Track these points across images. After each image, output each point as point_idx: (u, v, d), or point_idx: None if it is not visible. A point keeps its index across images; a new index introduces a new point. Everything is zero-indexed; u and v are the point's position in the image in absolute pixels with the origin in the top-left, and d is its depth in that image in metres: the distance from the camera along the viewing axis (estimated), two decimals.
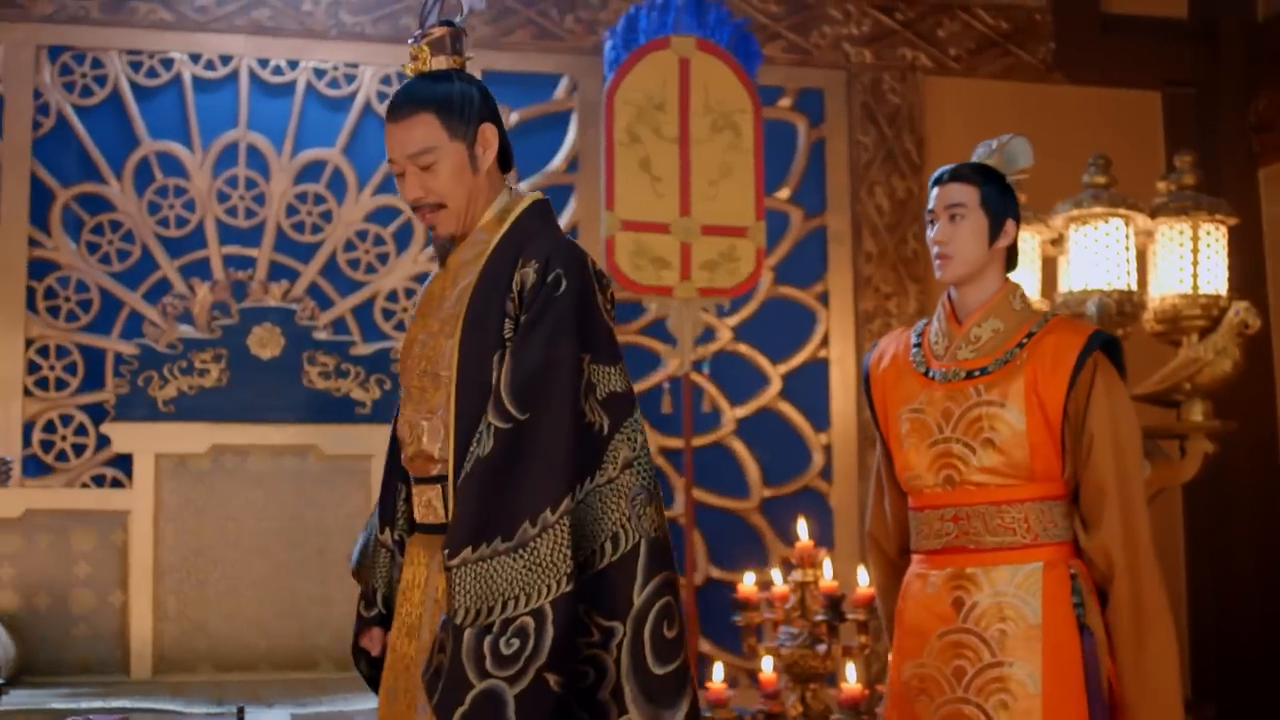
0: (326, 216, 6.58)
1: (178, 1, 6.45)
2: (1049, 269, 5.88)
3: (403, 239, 6.64)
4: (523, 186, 6.64)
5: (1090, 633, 3.51)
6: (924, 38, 7.11)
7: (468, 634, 2.74)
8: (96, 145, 6.43)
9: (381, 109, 6.64)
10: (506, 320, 2.93)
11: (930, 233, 3.63)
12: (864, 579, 4.89)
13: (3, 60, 6.35)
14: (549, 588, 2.75)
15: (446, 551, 2.79)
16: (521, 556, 2.75)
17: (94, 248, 6.40)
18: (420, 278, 6.61)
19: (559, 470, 2.80)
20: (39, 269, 6.33)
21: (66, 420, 6.27)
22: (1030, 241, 5.70)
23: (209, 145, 6.52)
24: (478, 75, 6.63)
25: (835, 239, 6.95)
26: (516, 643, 2.74)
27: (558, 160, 6.76)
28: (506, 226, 3.03)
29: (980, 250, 3.61)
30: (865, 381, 3.78)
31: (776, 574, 5.12)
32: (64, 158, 6.42)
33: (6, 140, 6.31)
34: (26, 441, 6.22)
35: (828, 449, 6.83)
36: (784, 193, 6.93)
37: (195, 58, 6.52)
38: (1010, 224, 3.64)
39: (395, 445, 3.19)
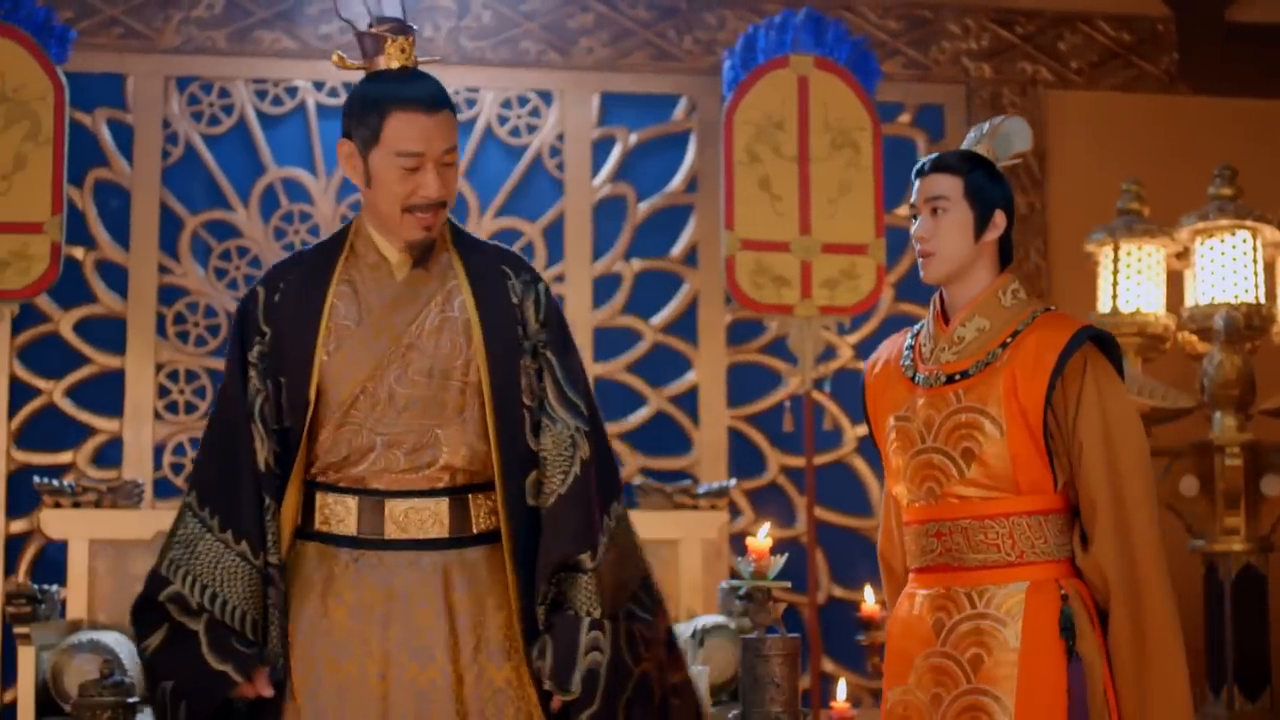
0: None
1: (301, 30, 6.55)
2: (1175, 283, 5.81)
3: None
4: (643, 208, 6.74)
5: (1079, 660, 3.18)
6: (1044, 51, 7.05)
7: (609, 625, 2.94)
8: (223, 173, 6.55)
9: (503, 133, 6.71)
10: (518, 327, 3.03)
11: (912, 229, 3.38)
12: None
13: (133, 91, 6.48)
14: (633, 574, 3.05)
15: (586, 555, 2.93)
16: (614, 547, 2.99)
17: (222, 273, 6.51)
18: None
19: (615, 465, 3.10)
20: (168, 295, 6.45)
21: (196, 444, 6.36)
22: (1155, 255, 5.63)
23: (333, 171, 6.61)
24: (596, 96, 6.75)
25: None
26: (642, 626, 3.02)
27: (677, 180, 6.78)
28: (450, 235, 3.10)
29: (965, 246, 3.31)
30: (862, 389, 3.53)
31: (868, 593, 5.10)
32: (192, 185, 6.55)
33: (136, 169, 6.45)
34: (157, 464, 6.34)
35: None
36: (904, 209, 6.89)
37: (319, 85, 6.62)
38: (999, 215, 3.33)
39: (248, 454, 2.98)
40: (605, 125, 6.78)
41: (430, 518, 2.98)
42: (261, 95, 6.62)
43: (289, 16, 6.55)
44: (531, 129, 6.75)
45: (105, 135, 6.45)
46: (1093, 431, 3.23)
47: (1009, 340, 3.28)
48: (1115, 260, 5.63)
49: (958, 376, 3.28)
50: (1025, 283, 6.60)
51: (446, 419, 2.97)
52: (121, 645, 4.97)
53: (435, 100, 2.97)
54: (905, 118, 6.96)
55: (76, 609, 5.54)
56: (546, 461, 2.98)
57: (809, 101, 5.91)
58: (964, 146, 3.39)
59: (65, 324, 6.36)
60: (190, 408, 6.39)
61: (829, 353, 6.71)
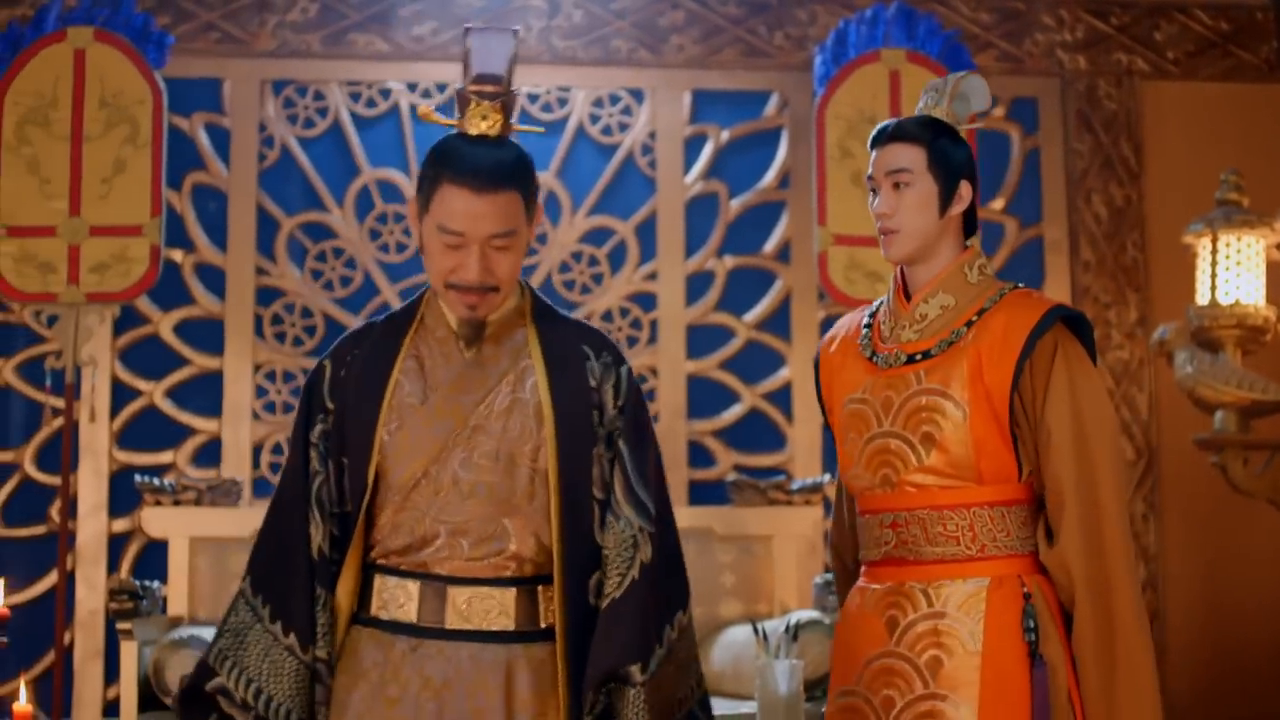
0: (542, 238, 6.67)
1: (394, 33, 6.61)
2: (1275, 274, 5.73)
3: (616, 259, 6.70)
4: (735, 204, 6.74)
5: (1043, 663, 2.96)
6: (1140, 41, 6.97)
7: None
8: (319, 174, 6.62)
9: (594, 131, 6.73)
10: (594, 412, 2.81)
11: (872, 203, 3.13)
12: None
13: (229, 95, 6.56)
14: (690, 690, 2.86)
15: (636, 667, 2.70)
16: (671, 661, 2.79)
17: (318, 274, 6.58)
18: (635, 297, 6.67)
19: (683, 570, 2.86)
20: (266, 296, 6.53)
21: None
22: (1255, 246, 5.56)
23: None
24: (688, 93, 6.75)
25: (1052, 248, 6.84)
26: None
27: (769, 177, 6.76)
28: (530, 308, 2.89)
29: (930, 221, 3.09)
30: (816, 368, 3.30)
31: None
32: (288, 188, 6.62)
33: (233, 172, 6.53)
34: (255, 464, 6.41)
35: None
36: (998, 203, 6.85)
37: (412, 86, 6.67)
38: (965, 186, 3.10)
39: (302, 540, 2.81)
40: (697, 123, 6.78)
41: (496, 608, 2.78)
42: (355, 97, 6.67)
43: (383, 19, 6.60)
44: (623, 127, 6.76)
45: (203, 139, 6.53)
46: (1062, 418, 3.01)
47: (974, 319, 3.07)
48: (1214, 252, 5.57)
49: (919, 356, 3.09)
50: (1125, 275, 6.64)
51: (514, 507, 2.77)
52: None
53: (492, 179, 2.71)
54: (999, 111, 6.90)
55: (177, 606, 5.62)
56: (607, 561, 2.77)
57: (901, 95, 5.88)
58: (920, 110, 3.18)
59: (165, 326, 6.45)
60: (287, 408, 6.46)
61: None
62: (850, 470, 3.17)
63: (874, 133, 3.17)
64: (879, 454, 3.09)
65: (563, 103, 6.75)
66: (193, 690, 2.85)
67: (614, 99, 6.78)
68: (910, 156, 3.09)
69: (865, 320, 3.23)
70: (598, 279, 6.67)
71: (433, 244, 2.77)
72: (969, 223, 3.15)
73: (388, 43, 6.61)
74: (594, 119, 6.76)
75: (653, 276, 6.69)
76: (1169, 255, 6.45)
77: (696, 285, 6.71)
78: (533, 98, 6.71)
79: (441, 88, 6.67)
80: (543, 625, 2.80)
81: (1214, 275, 5.54)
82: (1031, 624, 2.98)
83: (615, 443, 2.81)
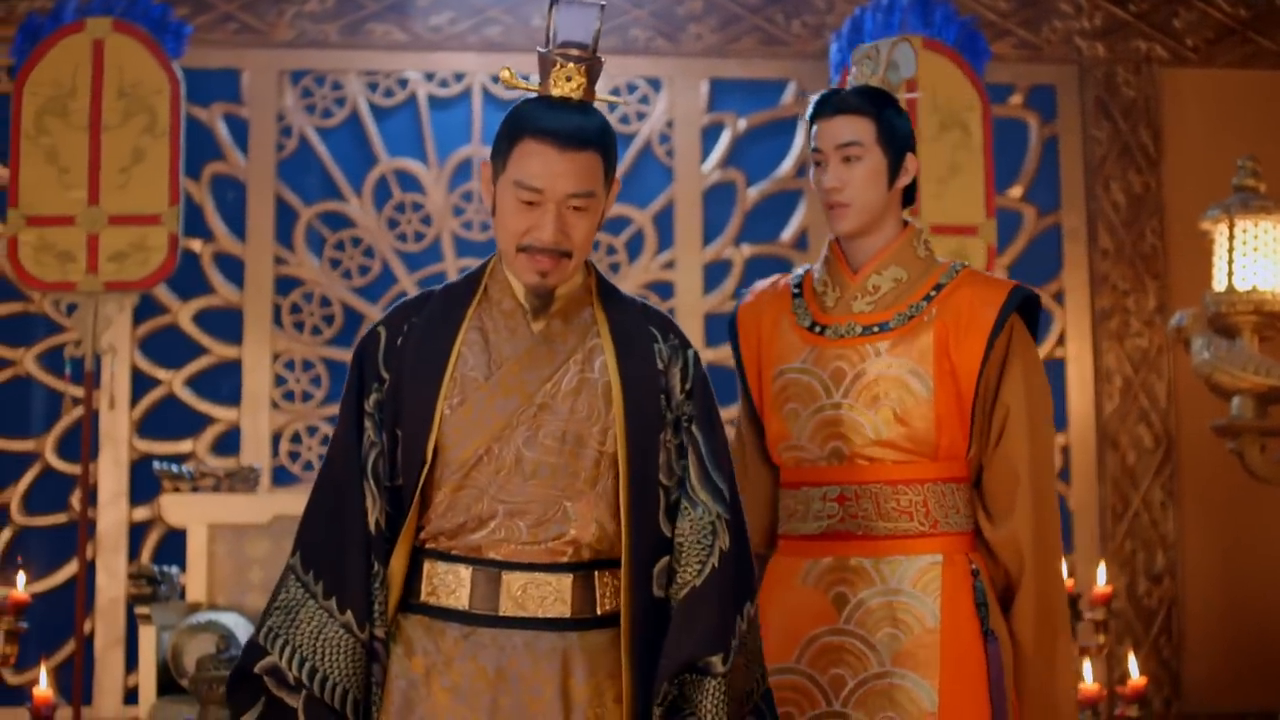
0: None
1: (412, 22, 6.62)
2: None
3: (634, 248, 6.72)
4: (752, 193, 6.74)
5: (995, 638, 2.99)
6: (1159, 28, 6.95)
7: None
8: (337, 164, 6.64)
9: (612, 120, 6.71)
10: (661, 396, 2.70)
11: (821, 177, 3.10)
12: (1102, 579, 4.80)
13: (247, 86, 6.59)
14: (756, 683, 2.74)
15: (718, 658, 2.61)
16: (743, 652, 2.69)
17: (336, 263, 6.60)
18: (653, 286, 6.67)
19: (752, 559, 2.74)
20: (284, 285, 6.56)
21: (312, 431, 6.47)
22: (1272, 232, 5.54)
23: (444, 161, 6.68)
24: (705, 82, 6.76)
25: (1070, 236, 6.83)
26: None
27: (786, 165, 6.77)
28: (596, 288, 2.77)
29: (880, 194, 3.09)
30: (733, 334, 3.25)
31: None
32: (306, 177, 6.65)
33: (252, 162, 6.55)
34: (274, 452, 6.44)
35: (1065, 450, 6.71)
36: (1016, 191, 6.84)
37: (429, 76, 6.69)
38: (910, 159, 3.12)
39: (357, 513, 2.69)
40: (714, 111, 6.79)
41: (552, 594, 2.67)
42: (373, 87, 6.70)
43: (400, 9, 6.62)
44: (641, 116, 6.78)
45: (221, 129, 6.56)
46: (1019, 398, 3.04)
47: (932, 293, 3.08)
48: (1230, 238, 5.55)
49: (876, 328, 3.08)
50: (1144, 263, 6.62)
51: (577, 491, 2.66)
52: (239, 626, 5.07)
53: (575, 137, 2.62)
54: (1017, 99, 6.89)
55: (196, 592, 5.65)
56: (682, 549, 2.67)
57: (918, 83, 5.88)
58: (857, 81, 3.15)
59: (184, 315, 6.48)
60: (306, 396, 6.49)
61: None
62: (787, 441, 3.12)
63: (816, 103, 3.14)
64: (828, 425, 3.07)
65: None
66: (240, 673, 2.70)
67: (632, 88, 6.79)
68: (860, 129, 3.08)
69: (794, 291, 3.22)
70: (615, 268, 6.68)
71: (507, 203, 2.66)
72: (909, 196, 3.17)
73: (405, 32, 6.63)
74: (611, 107, 6.74)
75: (670, 265, 6.70)
76: (1188, 242, 6.43)
77: (714, 274, 6.72)
78: None
79: (459, 77, 6.69)
80: (599, 612, 2.68)
81: (1231, 261, 5.52)
82: (983, 600, 3.00)
83: (685, 428, 2.71)
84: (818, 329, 3.12)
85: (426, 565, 2.70)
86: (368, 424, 2.70)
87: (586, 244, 2.68)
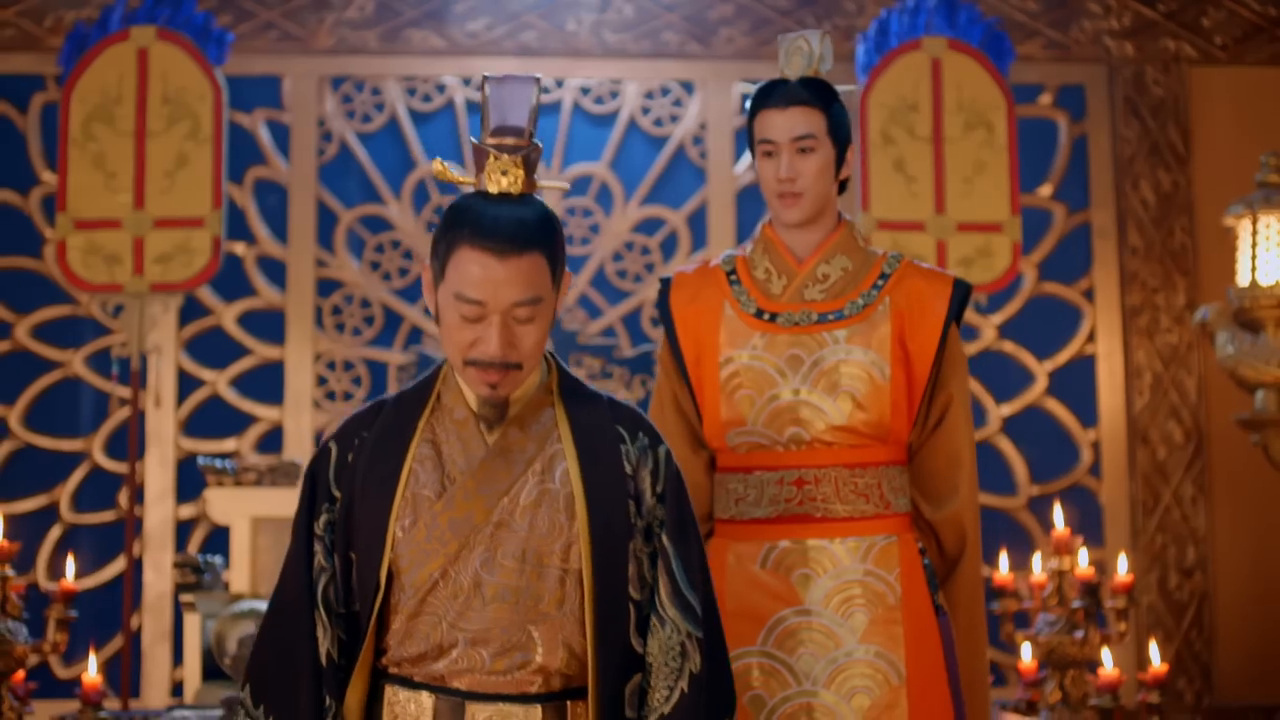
0: (594, 228, 6.80)
1: (449, 28, 6.75)
2: None
3: (668, 248, 6.82)
4: None
5: (944, 612, 3.13)
6: (1187, 27, 7.01)
7: None
8: (376, 168, 6.77)
9: (646, 123, 6.85)
10: (630, 503, 2.52)
11: (772, 167, 3.14)
12: (1123, 568, 4.88)
13: (288, 92, 6.73)
14: None
15: None
16: None
17: (376, 265, 6.73)
18: None
19: (729, 672, 2.58)
20: (325, 287, 6.69)
21: None
22: None
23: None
24: (737, 86, 6.85)
25: (1100, 234, 6.90)
26: None
27: None
28: (558, 387, 2.58)
29: (830, 186, 3.18)
30: (667, 321, 3.26)
31: (1037, 561, 5.14)
32: (346, 181, 6.78)
33: (293, 167, 6.69)
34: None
35: (1096, 445, 6.78)
36: (1046, 189, 6.91)
37: (466, 81, 6.82)
38: (850, 151, 3.22)
39: (307, 645, 2.52)
40: (746, 114, 6.87)
41: None
42: (411, 93, 6.83)
43: (437, 15, 6.75)
44: (674, 119, 6.88)
45: (263, 135, 6.70)
46: (961, 384, 3.18)
47: (880, 282, 3.17)
48: (1254, 233, 5.62)
49: (831, 316, 3.15)
50: (1173, 260, 6.68)
51: (541, 614, 2.47)
52: None
53: (514, 241, 2.42)
54: (1046, 98, 6.96)
55: (239, 583, 5.78)
56: (651, 670, 2.50)
57: (942, 83, 5.98)
58: (789, 72, 3.18)
59: (228, 317, 6.62)
60: (347, 396, 6.62)
61: (972, 333, 6.75)
62: (740, 428, 3.16)
63: (763, 93, 3.17)
64: (787, 411, 3.12)
65: (614, 95, 6.87)
66: None
67: (665, 91, 6.90)
68: (814, 121, 3.13)
69: (730, 279, 3.24)
70: (649, 268, 6.79)
71: (450, 316, 2.47)
72: (841, 186, 3.25)
73: (443, 39, 6.75)
74: (645, 111, 6.88)
75: None
76: (1217, 239, 6.49)
77: None
78: (584, 90, 6.84)
79: None
80: None
81: (1254, 257, 5.59)
82: (932, 576, 3.14)
83: (656, 536, 2.53)
84: (766, 316, 3.17)
85: (387, 691, 2.53)
86: (317, 547, 2.54)
87: (537, 353, 2.49)
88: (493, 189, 2.47)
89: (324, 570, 2.52)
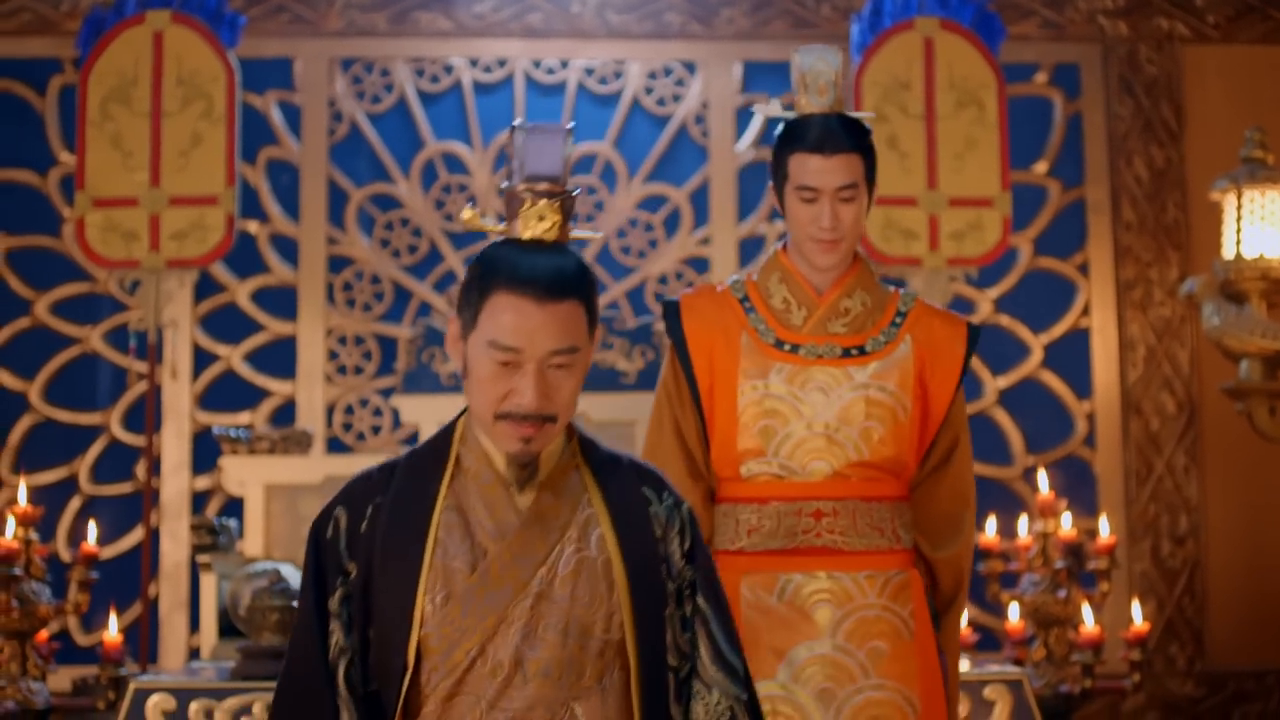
0: (599, 205, 6.95)
1: (457, 11, 6.89)
2: None
3: (671, 225, 6.97)
4: None
5: (944, 654, 3.13)
6: (1180, 6, 7.10)
7: None
8: (386, 148, 6.93)
9: (649, 103, 7.00)
10: (662, 566, 2.41)
11: (813, 214, 3.08)
12: (1105, 531, 5.04)
13: (300, 73, 6.89)
14: None
15: None
16: None
17: (386, 243, 6.89)
18: (689, 261, 6.94)
19: None
20: (336, 264, 6.85)
21: (364, 403, 6.77)
22: (1279, 201, 5.73)
23: (488, 143, 6.95)
24: (738, 65, 7.01)
25: (1094, 210, 7.02)
26: None
27: None
28: (581, 450, 2.46)
29: (863, 227, 3.19)
30: (680, 345, 3.17)
31: (1023, 524, 5.29)
32: (356, 161, 6.94)
33: (305, 147, 6.85)
34: (328, 423, 6.74)
35: (1090, 417, 6.92)
36: (1041, 166, 7.04)
37: (474, 62, 6.96)
38: (874, 189, 3.18)
39: None
40: (747, 93, 7.02)
41: None
42: (420, 74, 6.98)
43: None
44: (676, 98, 7.02)
45: (275, 116, 6.86)
46: (964, 426, 3.19)
47: (898, 319, 3.16)
48: (1239, 207, 5.75)
49: (855, 351, 3.12)
50: (1166, 235, 6.81)
51: (584, 689, 2.35)
52: (292, 575, 5.37)
53: (554, 286, 2.30)
54: (1042, 77, 7.08)
55: (254, 548, 5.93)
56: None
57: (934, 62, 6.09)
58: (824, 102, 3.14)
59: (242, 293, 6.79)
60: (358, 370, 6.78)
61: (967, 307, 6.87)
62: (759, 458, 3.12)
63: (797, 132, 3.08)
64: (809, 444, 3.08)
65: (618, 75, 7.01)
66: None
67: (667, 71, 7.03)
68: (856, 169, 3.11)
69: (745, 308, 3.19)
70: (653, 244, 6.94)
71: (481, 366, 2.33)
72: None
73: (450, 20, 6.90)
74: (648, 90, 7.02)
75: (706, 241, 6.95)
76: (1208, 214, 6.58)
77: (748, 249, 6.96)
78: (589, 71, 6.98)
79: (502, 62, 6.96)
80: None
81: (1239, 230, 5.72)
82: (934, 614, 3.14)
83: (690, 599, 2.43)
84: (787, 347, 3.13)
85: None
86: (334, 625, 2.37)
87: (571, 405, 2.36)
88: (527, 235, 2.36)
89: (344, 652, 2.36)
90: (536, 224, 2.36)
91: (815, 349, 3.12)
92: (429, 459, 2.43)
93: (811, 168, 3.07)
